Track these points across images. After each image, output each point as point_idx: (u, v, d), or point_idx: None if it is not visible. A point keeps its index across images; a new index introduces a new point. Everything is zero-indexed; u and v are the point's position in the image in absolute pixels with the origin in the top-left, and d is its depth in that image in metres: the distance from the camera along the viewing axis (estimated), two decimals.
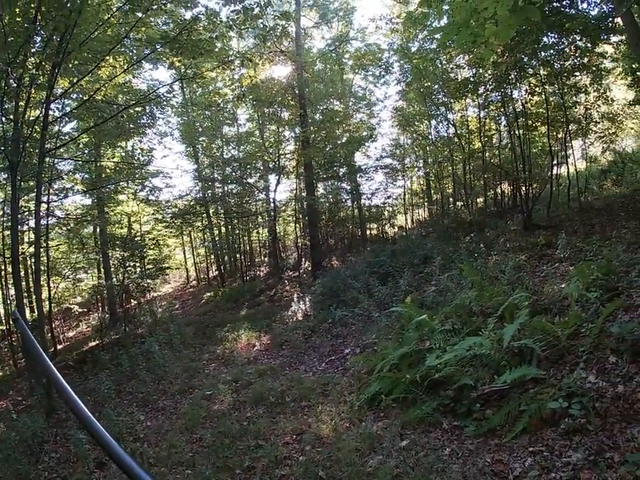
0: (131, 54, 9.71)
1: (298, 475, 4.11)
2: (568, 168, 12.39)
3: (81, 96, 10.52)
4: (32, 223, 11.50)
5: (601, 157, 15.85)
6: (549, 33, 10.25)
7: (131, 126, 12.02)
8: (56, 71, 7.80)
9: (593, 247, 7.21)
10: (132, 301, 15.88)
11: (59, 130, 11.51)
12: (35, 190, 8.86)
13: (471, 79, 12.79)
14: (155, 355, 9.40)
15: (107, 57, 8.76)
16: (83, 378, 9.64)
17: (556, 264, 7.54)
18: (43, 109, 8.42)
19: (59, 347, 13.69)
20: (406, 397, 4.87)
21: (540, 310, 5.43)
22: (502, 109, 12.79)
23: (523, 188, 11.68)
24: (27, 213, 11.60)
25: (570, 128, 11.67)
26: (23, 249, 11.67)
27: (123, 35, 8.63)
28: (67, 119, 11.31)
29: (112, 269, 15.34)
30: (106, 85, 9.82)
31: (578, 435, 3.47)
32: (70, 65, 8.50)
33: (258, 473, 4.33)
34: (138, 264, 15.35)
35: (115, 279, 14.91)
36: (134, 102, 10.44)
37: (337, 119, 16.43)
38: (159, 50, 9.00)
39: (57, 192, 13.68)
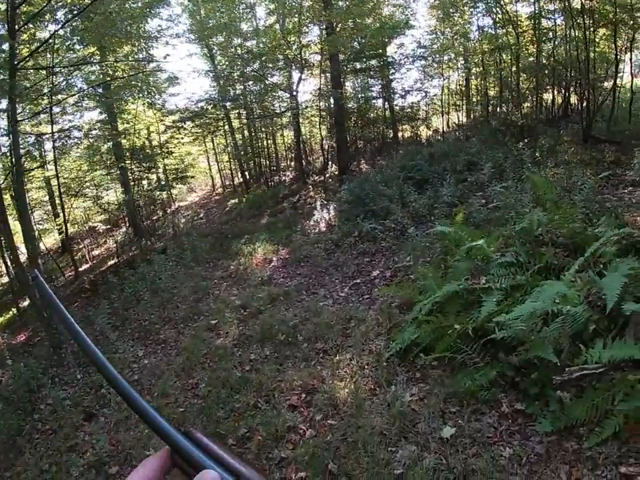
0: None
1: (301, 463, 3.07)
2: (632, 79, 10.40)
3: None
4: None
5: None
6: None
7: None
8: None
9: None
10: (158, 212, 15.24)
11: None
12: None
13: None
14: (162, 277, 8.67)
15: None
16: (96, 303, 8.92)
17: (629, 187, 6.32)
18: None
19: (83, 267, 13.71)
20: (453, 357, 3.55)
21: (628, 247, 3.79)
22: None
23: (582, 95, 10.25)
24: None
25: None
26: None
27: None
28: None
29: (131, 183, 14.73)
30: None
31: None
32: None
33: (253, 450, 3.32)
34: (154, 176, 14.86)
35: (133, 193, 14.39)
36: None
37: (366, 8, 14.14)
38: None
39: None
